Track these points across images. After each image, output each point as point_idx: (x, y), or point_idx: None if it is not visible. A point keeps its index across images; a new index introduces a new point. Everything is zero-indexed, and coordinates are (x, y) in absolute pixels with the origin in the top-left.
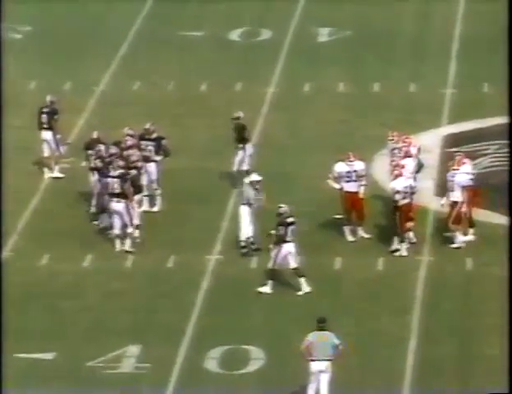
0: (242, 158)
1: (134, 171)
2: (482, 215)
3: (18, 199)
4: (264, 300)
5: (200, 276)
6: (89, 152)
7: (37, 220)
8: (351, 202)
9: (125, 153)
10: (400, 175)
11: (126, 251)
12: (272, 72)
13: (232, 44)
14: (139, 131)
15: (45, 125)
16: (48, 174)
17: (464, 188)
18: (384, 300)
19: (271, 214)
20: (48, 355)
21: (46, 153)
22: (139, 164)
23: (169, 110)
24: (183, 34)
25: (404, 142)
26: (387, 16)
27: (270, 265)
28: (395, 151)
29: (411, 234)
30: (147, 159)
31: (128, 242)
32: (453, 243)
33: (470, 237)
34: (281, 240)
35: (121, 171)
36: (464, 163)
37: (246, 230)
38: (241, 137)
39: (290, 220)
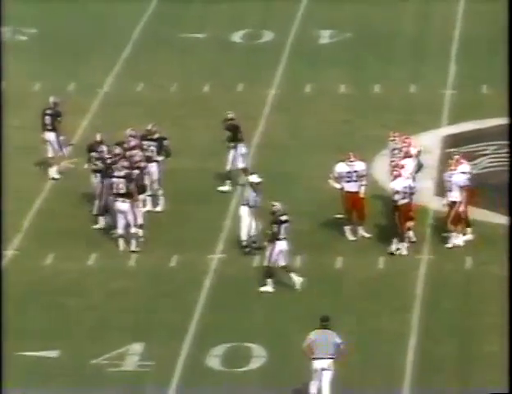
0: (234, 158)
1: (137, 172)
2: (481, 215)
3: (23, 199)
4: (266, 298)
5: (203, 275)
6: (92, 154)
7: (41, 220)
8: (352, 202)
9: (128, 153)
10: (400, 175)
11: (131, 251)
12: (273, 74)
13: (234, 46)
14: (141, 132)
15: (48, 127)
16: (58, 174)
17: (461, 188)
18: (384, 298)
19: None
20: (52, 353)
21: (49, 154)
22: (143, 164)
23: (171, 111)
24: (185, 36)
25: (404, 142)
26: (387, 18)
27: (265, 263)
28: (395, 151)
29: (411, 233)
30: (149, 159)
31: (133, 242)
32: (447, 243)
33: (469, 236)
34: (274, 238)
35: (127, 171)
36: (461, 163)
37: (247, 229)
38: (234, 137)
39: (283, 218)
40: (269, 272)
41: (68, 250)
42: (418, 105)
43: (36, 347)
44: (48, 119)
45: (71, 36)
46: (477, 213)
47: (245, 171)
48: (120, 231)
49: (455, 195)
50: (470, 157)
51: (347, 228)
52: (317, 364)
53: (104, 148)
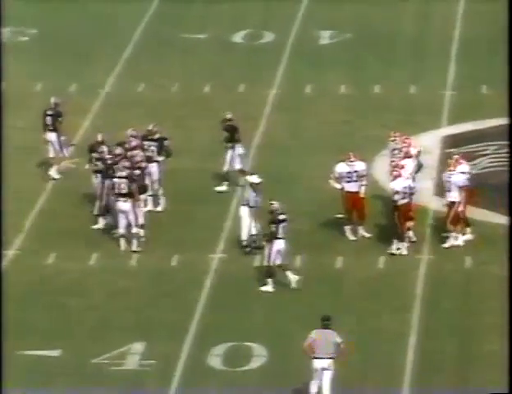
0: (232, 158)
1: (138, 172)
2: (481, 215)
3: (24, 199)
4: (266, 297)
5: (203, 274)
6: (93, 154)
7: (43, 220)
8: (352, 202)
9: (129, 153)
10: (399, 175)
11: (132, 251)
12: (274, 74)
13: (235, 46)
14: (141, 132)
15: (50, 127)
16: (58, 175)
17: (460, 188)
18: (385, 298)
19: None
20: (54, 352)
21: (51, 154)
22: (144, 164)
23: (172, 111)
24: (187, 37)
25: (404, 142)
26: (387, 19)
27: (265, 263)
28: (396, 151)
29: (411, 233)
30: (149, 160)
31: (135, 242)
32: (444, 243)
33: (469, 236)
34: (272, 237)
35: (128, 171)
36: (460, 164)
37: (247, 229)
38: (232, 138)
39: (281, 217)
40: (269, 272)
41: (69, 250)
42: (418, 105)
43: (38, 346)
44: (49, 119)
45: (72, 37)
46: (477, 213)
47: (243, 172)
48: (121, 230)
49: (454, 195)
50: (470, 157)
51: (347, 228)
52: (318, 364)
53: (105, 148)
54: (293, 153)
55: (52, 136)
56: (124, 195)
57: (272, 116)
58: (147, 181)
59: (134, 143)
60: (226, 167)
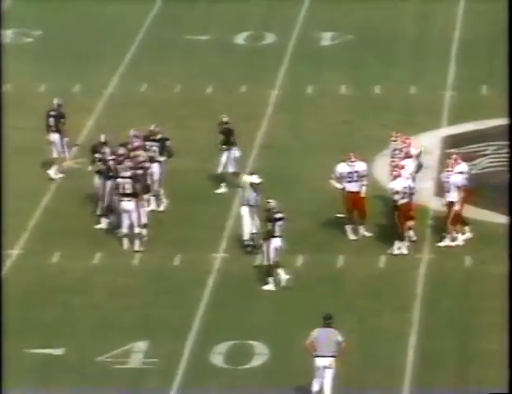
0: (227, 161)
1: (140, 172)
2: (481, 214)
3: (29, 199)
4: (268, 296)
5: (206, 273)
6: (95, 155)
7: (47, 219)
8: (353, 201)
9: (132, 153)
10: (399, 175)
11: (135, 250)
12: (275, 75)
13: (237, 48)
14: (143, 132)
15: (52, 128)
16: (57, 175)
17: (459, 188)
18: (385, 297)
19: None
20: (58, 351)
21: (54, 155)
22: (147, 165)
23: (175, 112)
24: (189, 38)
25: (404, 143)
26: (388, 20)
27: (265, 262)
28: (396, 151)
29: (411, 232)
30: (151, 160)
31: (137, 242)
32: (442, 242)
33: (468, 235)
34: (269, 236)
35: (133, 171)
36: (459, 164)
37: (249, 229)
38: (227, 141)
39: (277, 216)
40: (270, 271)
41: (73, 249)
42: (419, 106)
43: (42, 345)
44: (51, 121)
45: (76, 38)
46: (477, 213)
47: (236, 175)
48: (124, 230)
49: (453, 196)
50: (470, 157)
51: (348, 227)
52: (320, 362)
53: (107, 149)
54: (294, 154)
55: (54, 137)
56: (128, 195)
57: (274, 116)
58: (149, 181)
59: (136, 143)
60: (220, 169)
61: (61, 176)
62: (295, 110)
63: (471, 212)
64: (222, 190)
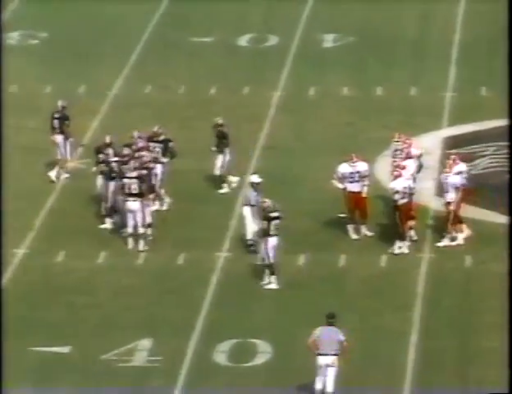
0: (223, 163)
1: (145, 172)
2: (481, 214)
3: (34, 199)
4: (271, 295)
5: (209, 272)
6: (99, 156)
7: (53, 219)
8: (354, 201)
9: (136, 154)
10: (400, 176)
11: (140, 250)
12: (278, 77)
13: (240, 50)
14: (146, 134)
15: (57, 130)
16: (62, 175)
17: (457, 189)
18: (386, 296)
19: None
20: (64, 349)
21: (59, 155)
22: (151, 165)
23: (179, 113)
24: (193, 40)
25: (405, 143)
26: (389, 22)
27: (265, 261)
28: (397, 152)
29: (412, 232)
30: (154, 160)
31: (142, 242)
32: (440, 242)
33: (467, 232)
34: (265, 234)
35: (139, 172)
36: (457, 164)
37: (252, 228)
38: (222, 143)
39: (273, 215)
40: (271, 270)
41: (78, 249)
42: (419, 107)
43: (47, 343)
44: (56, 122)
45: (81, 39)
46: (477, 213)
47: (227, 177)
48: (130, 230)
49: (452, 196)
50: (470, 158)
51: (350, 227)
52: (322, 360)
53: (110, 151)
54: (297, 155)
55: (58, 139)
56: (134, 195)
57: (276, 117)
58: (153, 182)
59: (140, 144)
60: (218, 172)
61: (66, 176)
62: (298, 111)
63: (471, 212)
64: (225, 190)
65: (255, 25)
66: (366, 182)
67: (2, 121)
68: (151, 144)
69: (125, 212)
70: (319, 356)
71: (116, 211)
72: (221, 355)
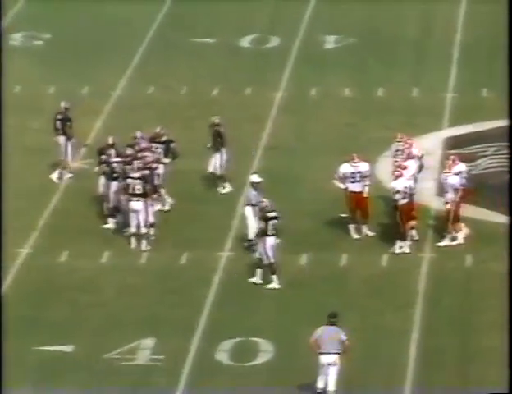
0: (221, 163)
1: (147, 172)
2: (481, 214)
3: (38, 199)
4: (273, 294)
5: (212, 272)
6: (102, 157)
7: (56, 218)
8: (356, 201)
9: (139, 154)
10: (401, 176)
11: (143, 250)
12: (280, 77)
13: (242, 51)
14: (148, 135)
15: (59, 131)
16: (66, 175)
17: (456, 189)
18: (388, 295)
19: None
20: (67, 348)
21: (62, 156)
22: (154, 165)
23: (181, 113)
24: (195, 41)
25: (406, 143)
26: (390, 24)
27: (266, 261)
28: (398, 152)
29: (414, 232)
30: (156, 161)
31: (144, 242)
32: (441, 242)
33: (465, 231)
34: (263, 234)
35: (142, 172)
36: (456, 164)
37: (254, 228)
38: (217, 141)
39: (270, 215)
40: (272, 269)
41: (81, 248)
42: (420, 108)
43: (51, 342)
44: (58, 123)
45: (85, 42)
46: (477, 212)
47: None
48: (133, 229)
49: (452, 196)
50: (471, 158)
51: (351, 227)
52: (324, 359)
53: (112, 151)
54: (298, 155)
55: (60, 140)
56: (138, 195)
57: (278, 118)
58: (156, 182)
59: (143, 144)
60: (218, 172)
61: (70, 176)
62: (299, 112)
63: (471, 211)
64: (227, 189)
65: (257, 27)
66: (367, 182)
67: (1, 121)
68: (153, 145)
69: (128, 212)
70: (321, 355)
71: (119, 211)
72: (223, 353)
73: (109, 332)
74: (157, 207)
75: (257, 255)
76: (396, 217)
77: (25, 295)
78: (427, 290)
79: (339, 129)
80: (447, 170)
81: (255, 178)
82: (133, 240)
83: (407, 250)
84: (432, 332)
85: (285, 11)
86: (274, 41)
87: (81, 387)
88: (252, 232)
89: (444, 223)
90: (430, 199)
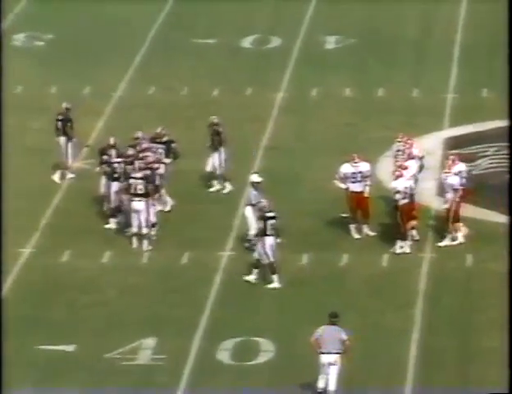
0: (220, 162)
1: (149, 172)
2: (482, 214)
3: (40, 199)
4: (273, 294)
5: (213, 271)
6: (104, 157)
7: (58, 218)
8: (356, 201)
9: (141, 154)
10: (401, 176)
11: (144, 250)
12: (281, 78)
13: (243, 51)
14: (150, 135)
15: (60, 132)
16: (67, 175)
17: (456, 189)
18: (388, 295)
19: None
20: (69, 347)
21: (63, 156)
22: (155, 165)
23: (182, 114)
24: (196, 42)
25: (406, 143)
26: (391, 24)
27: (265, 261)
28: (399, 152)
29: (414, 232)
30: (157, 161)
31: (146, 241)
32: (441, 241)
33: (464, 230)
34: (262, 234)
35: (145, 172)
36: (456, 164)
37: (255, 228)
38: (215, 140)
39: (269, 215)
40: (272, 268)
41: (83, 248)
42: (421, 108)
43: (53, 342)
44: (59, 124)
45: (86, 41)
46: (477, 212)
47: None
48: (134, 229)
49: (450, 196)
50: (471, 158)
51: (352, 227)
52: (325, 359)
53: (113, 152)
54: (299, 155)
55: (61, 140)
56: (140, 195)
57: (279, 118)
58: (157, 182)
59: (144, 145)
60: (218, 171)
61: (71, 176)
62: (300, 112)
63: (471, 211)
64: (228, 188)
65: (258, 27)
66: (368, 182)
67: (2, 121)
68: (154, 145)
69: (129, 212)
70: (322, 355)
71: (121, 211)
72: (224, 353)
73: (110, 332)
74: (159, 207)
75: (255, 255)
76: (397, 217)
77: (26, 294)
78: (427, 289)
79: (339, 129)
80: (447, 170)
81: (255, 178)
82: (134, 240)
83: (407, 250)
84: (432, 331)
85: (285, 11)
86: (275, 41)
87: (82, 387)
88: (253, 232)
89: (444, 223)
90: (430, 199)
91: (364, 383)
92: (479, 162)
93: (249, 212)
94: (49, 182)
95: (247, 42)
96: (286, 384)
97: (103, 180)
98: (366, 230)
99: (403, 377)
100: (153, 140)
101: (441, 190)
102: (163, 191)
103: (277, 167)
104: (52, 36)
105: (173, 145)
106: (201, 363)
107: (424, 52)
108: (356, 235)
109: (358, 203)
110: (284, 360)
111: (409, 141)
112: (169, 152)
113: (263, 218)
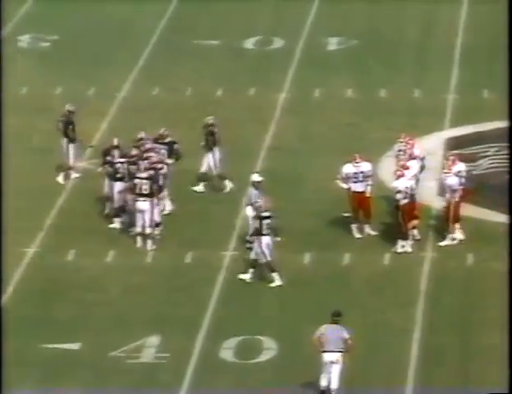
0: (214, 162)
1: (152, 172)
2: (482, 213)
3: (45, 198)
4: (276, 293)
5: (216, 271)
6: (107, 158)
7: (63, 218)
8: (358, 201)
9: (145, 155)
10: (403, 175)
11: (148, 250)
12: (283, 79)
13: (246, 52)
14: (152, 136)
15: (62, 134)
16: (72, 175)
17: (455, 189)
18: (389, 294)
19: (279, 213)
20: (74, 346)
21: (65, 158)
22: (159, 166)
23: (186, 114)
24: (200, 43)
25: (408, 144)
26: (393, 26)
27: (264, 260)
28: (401, 152)
29: (415, 231)
30: (160, 161)
31: (150, 241)
32: (442, 241)
33: (462, 231)
34: (258, 233)
35: (149, 172)
36: (456, 164)
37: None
38: (211, 141)
39: (264, 214)
40: (271, 267)
41: (88, 248)
42: (422, 109)
43: (57, 341)
44: (60, 126)
45: (91, 42)
46: (478, 212)
47: (204, 176)
48: (138, 229)
49: (452, 196)
50: (472, 158)
51: (354, 226)
52: (327, 357)
53: (116, 153)
54: (301, 155)
55: (63, 142)
56: (144, 195)
57: (282, 119)
58: (161, 182)
59: (148, 145)
60: (214, 171)
61: (76, 176)
62: (303, 113)
63: (472, 211)
64: (230, 186)
65: (261, 28)
66: (369, 182)
67: (2, 121)
68: (157, 146)
69: (134, 211)
70: (324, 353)
71: (125, 211)
72: (227, 351)
73: (114, 331)
74: (162, 207)
75: (252, 255)
76: (398, 216)
77: (31, 293)
78: (428, 289)
79: (341, 129)
80: (447, 170)
81: (256, 177)
82: (138, 240)
83: (409, 250)
84: (433, 330)
85: (288, 13)
86: (277, 43)
87: (87, 385)
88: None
89: (445, 223)
90: (431, 198)
91: (366, 382)
92: (480, 162)
93: (250, 211)
94: (53, 182)
95: (250, 43)
96: (289, 382)
97: (107, 180)
98: (368, 229)
99: (404, 376)
100: (156, 141)
101: (442, 190)
102: (164, 194)
103: (280, 167)
104: (56, 37)
105: (175, 146)
106: (204, 361)
107: (425, 54)
108: (358, 235)
109: (359, 203)
110: (286, 359)
111: (410, 141)
112: (171, 152)
113: (259, 218)
